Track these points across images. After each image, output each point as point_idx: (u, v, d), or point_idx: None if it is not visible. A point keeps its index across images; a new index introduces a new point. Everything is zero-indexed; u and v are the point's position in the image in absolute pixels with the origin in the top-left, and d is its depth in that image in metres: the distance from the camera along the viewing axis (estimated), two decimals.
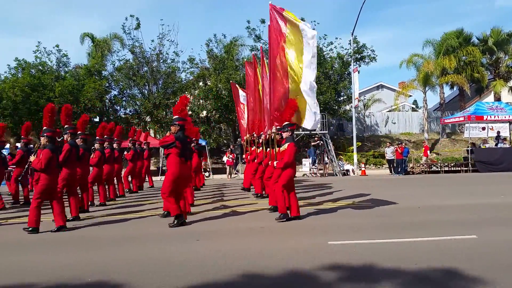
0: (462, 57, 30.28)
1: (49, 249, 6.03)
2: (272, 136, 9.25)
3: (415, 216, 8.08)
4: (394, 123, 32.91)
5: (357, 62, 27.19)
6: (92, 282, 4.37)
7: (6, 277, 4.60)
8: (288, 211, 7.81)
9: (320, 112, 22.74)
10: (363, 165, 23.30)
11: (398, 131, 32.72)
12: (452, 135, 31.89)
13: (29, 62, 25.34)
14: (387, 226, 7.12)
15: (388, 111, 35.50)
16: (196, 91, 26.86)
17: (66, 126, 8.39)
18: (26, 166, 9.48)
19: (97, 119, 26.82)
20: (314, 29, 8.36)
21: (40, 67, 25.39)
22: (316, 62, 8.19)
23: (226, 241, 6.28)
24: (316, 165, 22.33)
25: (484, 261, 4.87)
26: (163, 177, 11.84)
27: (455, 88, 33.97)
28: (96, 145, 10.80)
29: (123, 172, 13.21)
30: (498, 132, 23.81)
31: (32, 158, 7.29)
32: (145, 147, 14.95)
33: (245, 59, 23.25)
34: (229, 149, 22.91)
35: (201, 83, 27.27)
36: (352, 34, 25.29)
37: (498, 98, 30.81)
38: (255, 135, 11.88)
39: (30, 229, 6.99)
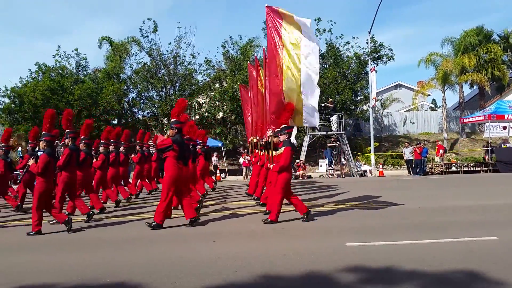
0: (482, 55, 29.67)
1: (69, 250, 6.14)
2: (269, 139, 9.26)
3: (433, 217, 7.95)
4: (413, 122, 32.46)
5: (375, 62, 26.93)
6: (111, 282, 4.44)
7: (27, 277, 4.69)
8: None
9: (337, 112, 22.86)
10: (380, 166, 23.06)
11: (417, 131, 32.27)
12: (472, 134, 31.32)
13: (49, 66, 25.89)
14: (404, 228, 7.03)
15: (406, 111, 35.04)
16: (213, 93, 27.02)
17: (67, 130, 8.50)
18: (25, 170, 9.61)
19: (115, 122, 27.22)
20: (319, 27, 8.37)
21: (60, 71, 25.93)
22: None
23: (242, 242, 6.29)
24: (332, 166, 22.20)
25: (506, 263, 4.77)
26: None
27: (475, 87, 33.32)
28: (101, 149, 10.96)
29: (132, 175, 13.23)
30: None
31: (30, 162, 7.44)
32: (153, 150, 14.95)
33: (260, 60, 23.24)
34: (245, 150, 22.95)
35: (217, 85, 27.41)
36: (370, 33, 25.05)
37: None
38: (258, 138, 11.88)
39: (33, 233, 7.21)
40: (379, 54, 27.20)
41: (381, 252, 5.39)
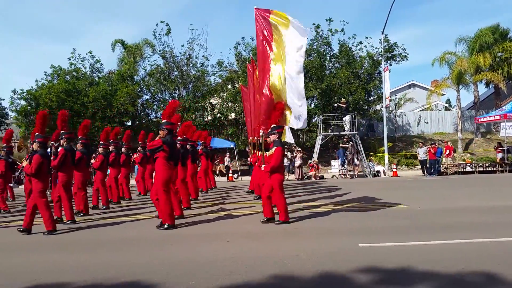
0: (498, 54, 29.22)
1: (82, 250, 6.21)
2: (260, 140, 9.22)
3: (449, 218, 7.85)
4: (427, 122, 32.10)
5: (388, 61, 26.72)
6: (125, 282, 4.48)
7: (42, 276, 4.76)
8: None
9: (349, 112, 22.73)
10: (394, 166, 22.86)
11: (431, 131, 31.91)
12: (487, 134, 30.84)
13: (64, 69, 26.29)
14: (417, 228, 6.96)
15: (420, 111, 34.65)
16: (225, 94, 27.11)
17: (62, 131, 8.55)
18: (19, 170, 9.66)
19: (129, 123, 27.51)
20: (310, 28, 8.41)
21: (75, 73, 26.33)
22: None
23: (253, 243, 6.30)
24: (345, 166, 22.08)
25: None
26: None
27: (490, 86, 32.79)
28: (100, 149, 11.03)
29: (134, 176, 13.29)
30: None
31: (24, 163, 7.51)
32: None
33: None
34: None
35: (229, 86, 27.49)
36: (383, 33, 24.87)
37: None
38: (256, 138, 11.92)
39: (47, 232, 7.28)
40: (392, 53, 26.98)
41: (394, 253, 5.34)
